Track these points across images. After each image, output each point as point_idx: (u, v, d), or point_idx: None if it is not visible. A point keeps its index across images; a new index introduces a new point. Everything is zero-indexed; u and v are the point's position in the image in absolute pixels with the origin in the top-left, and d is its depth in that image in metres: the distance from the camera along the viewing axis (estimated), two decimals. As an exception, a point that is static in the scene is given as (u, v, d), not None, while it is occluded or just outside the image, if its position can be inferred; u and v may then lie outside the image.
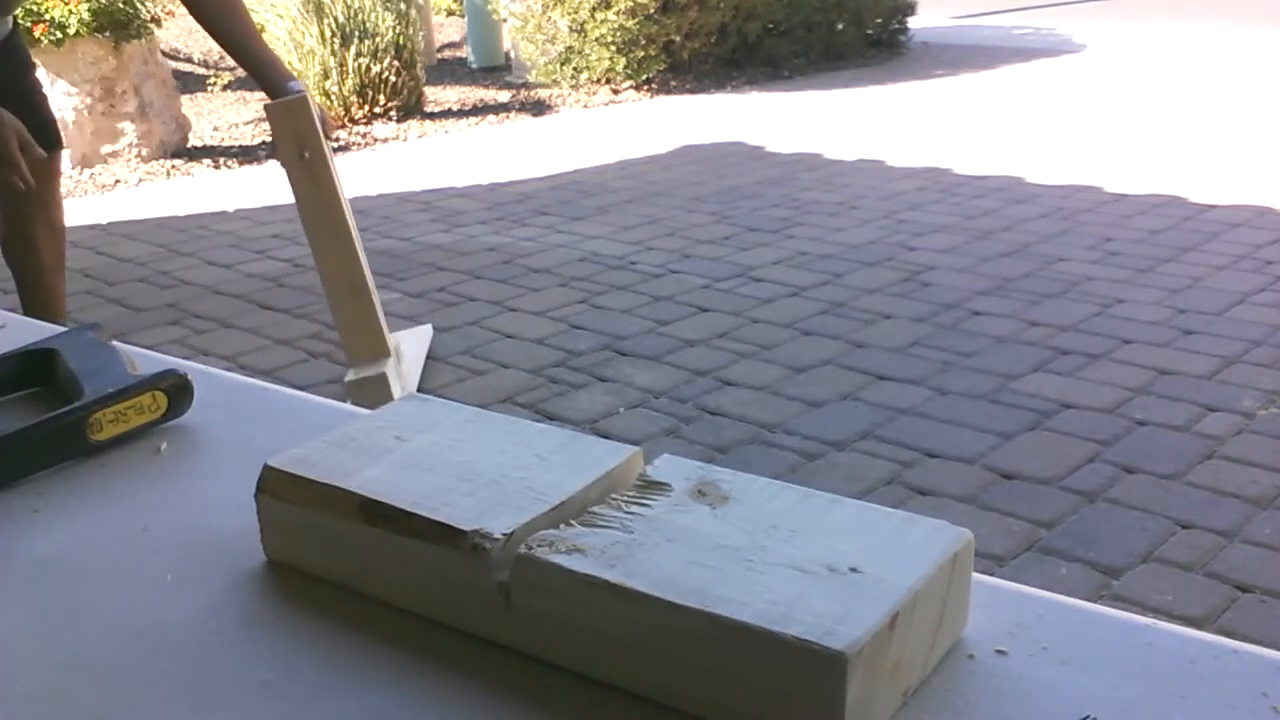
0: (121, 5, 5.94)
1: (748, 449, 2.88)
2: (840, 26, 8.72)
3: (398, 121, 7.13)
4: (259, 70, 2.77)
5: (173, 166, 6.21)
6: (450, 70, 8.94)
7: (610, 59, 7.81)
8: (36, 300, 3.15)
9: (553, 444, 0.67)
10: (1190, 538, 2.42)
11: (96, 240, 4.93)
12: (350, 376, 2.97)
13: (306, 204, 2.87)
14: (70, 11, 5.77)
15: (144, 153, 6.25)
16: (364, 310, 2.98)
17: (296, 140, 2.78)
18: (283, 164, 2.84)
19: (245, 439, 0.81)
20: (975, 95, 7.38)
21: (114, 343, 0.90)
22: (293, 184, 2.84)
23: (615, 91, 7.90)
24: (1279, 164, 5.41)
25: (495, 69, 8.86)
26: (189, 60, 9.32)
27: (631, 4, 7.62)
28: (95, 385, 0.81)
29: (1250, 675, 0.54)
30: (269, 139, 6.95)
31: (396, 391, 2.91)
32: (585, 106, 7.58)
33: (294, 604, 0.63)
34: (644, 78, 7.88)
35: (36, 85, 3.08)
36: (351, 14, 6.94)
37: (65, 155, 6.08)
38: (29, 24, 5.75)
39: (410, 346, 3.40)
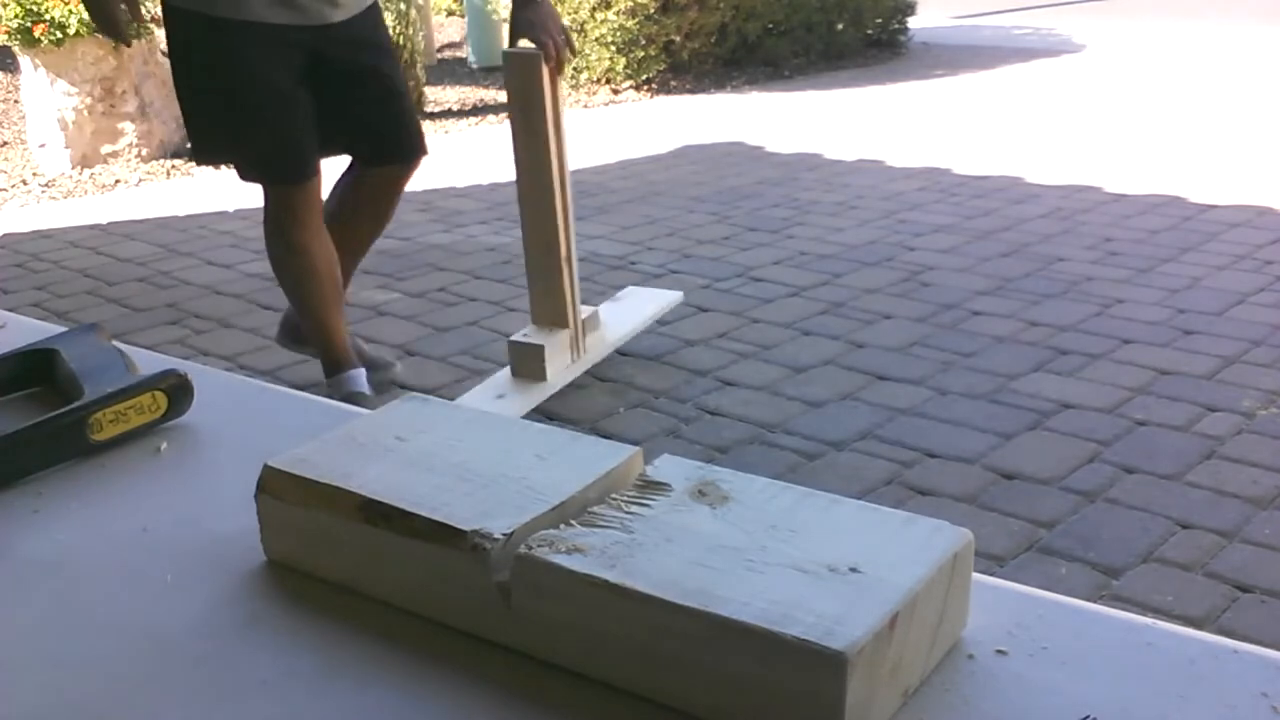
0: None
1: (748, 449, 2.88)
2: (840, 26, 8.72)
3: (398, 121, 7.13)
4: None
5: (173, 166, 6.21)
6: (450, 70, 8.94)
7: (610, 59, 7.82)
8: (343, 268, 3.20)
9: (553, 444, 0.67)
10: (1190, 538, 2.42)
11: (96, 240, 4.93)
12: (514, 337, 3.12)
13: (521, 159, 2.98)
14: (70, 11, 5.77)
15: (144, 153, 6.25)
16: (553, 277, 3.07)
17: (522, 94, 2.88)
18: (509, 114, 2.99)
19: (245, 439, 0.81)
20: (975, 95, 7.38)
21: (114, 343, 0.90)
22: (513, 135, 2.96)
23: (615, 91, 7.90)
24: (1279, 164, 5.41)
25: (495, 69, 8.85)
26: (189, 60, 9.32)
27: (631, 4, 7.62)
28: (95, 385, 0.81)
29: (1250, 675, 0.54)
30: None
31: (551, 371, 3.07)
32: (585, 106, 7.58)
33: (294, 604, 0.63)
34: (644, 78, 7.88)
35: (400, 75, 3.07)
36: (351, 14, 6.93)
37: (65, 155, 6.12)
38: (29, 24, 5.75)
39: (625, 312, 3.41)
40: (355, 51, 2.88)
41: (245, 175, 2.96)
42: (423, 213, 5.17)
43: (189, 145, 2.94)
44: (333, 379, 3.04)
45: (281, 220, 2.92)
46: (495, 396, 3.06)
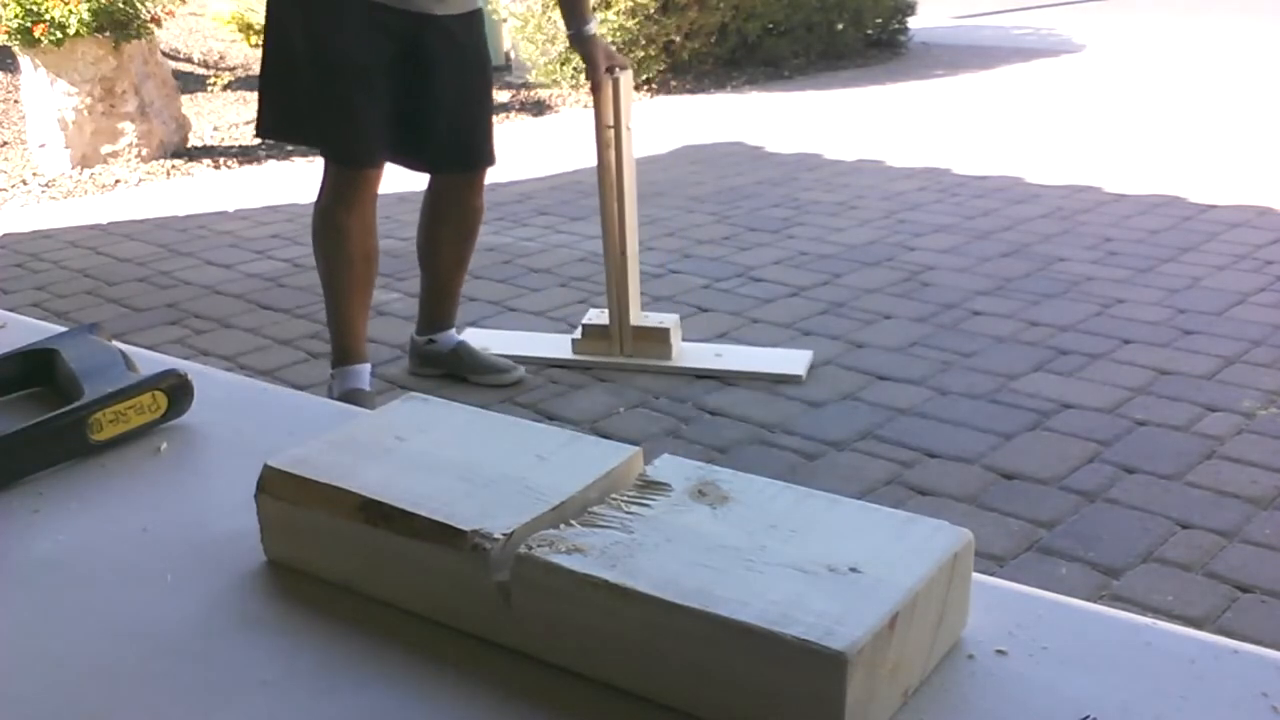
0: (121, 5, 5.94)
1: (748, 449, 2.88)
2: (840, 26, 8.72)
3: (398, 121, 7.12)
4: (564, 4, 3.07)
5: (173, 166, 6.21)
6: (450, 70, 8.93)
7: (610, 59, 7.80)
8: (433, 288, 3.28)
9: (553, 444, 0.67)
10: (1190, 538, 2.42)
11: (96, 240, 4.93)
12: (584, 319, 3.47)
13: (600, 164, 3.25)
14: (70, 11, 5.77)
15: (144, 153, 6.24)
16: (619, 276, 3.32)
17: (610, 109, 3.18)
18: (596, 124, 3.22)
19: (245, 439, 0.81)
20: (975, 95, 7.38)
21: (114, 343, 0.90)
22: (597, 145, 3.23)
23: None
24: (1279, 164, 5.41)
25: (495, 69, 8.84)
26: (189, 60, 9.32)
27: (631, 4, 7.62)
28: (95, 385, 0.81)
29: (1250, 675, 0.54)
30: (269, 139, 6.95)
31: (582, 351, 3.39)
32: (585, 106, 7.57)
33: (294, 604, 0.63)
34: (644, 78, 7.88)
35: (488, 89, 3.09)
36: (351, 14, 6.93)
37: (65, 155, 6.12)
38: (29, 24, 5.75)
39: (735, 353, 3.45)
40: (448, 49, 2.87)
41: (310, 142, 3.06)
42: (423, 213, 5.16)
43: (257, 121, 2.96)
44: (337, 370, 3.05)
45: (331, 198, 2.93)
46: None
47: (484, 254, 4.53)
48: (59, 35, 5.80)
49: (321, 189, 2.96)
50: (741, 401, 3.14)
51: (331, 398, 2.92)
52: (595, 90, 3.14)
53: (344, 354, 3.04)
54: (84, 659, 0.59)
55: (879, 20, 9.02)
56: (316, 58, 2.77)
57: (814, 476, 2.72)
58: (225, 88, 8.36)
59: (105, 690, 0.57)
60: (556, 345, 3.50)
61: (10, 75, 7.57)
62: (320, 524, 0.64)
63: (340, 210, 2.92)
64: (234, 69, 9.07)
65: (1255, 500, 2.55)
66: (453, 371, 3.28)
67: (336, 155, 2.91)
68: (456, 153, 3.02)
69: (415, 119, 2.90)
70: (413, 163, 3.04)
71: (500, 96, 7.98)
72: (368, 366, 3.07)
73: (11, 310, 1.11)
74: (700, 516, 0.59)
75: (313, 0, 2.77)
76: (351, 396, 2.95)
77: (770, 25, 8.40)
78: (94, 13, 5.82)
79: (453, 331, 3.33)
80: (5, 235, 5.10)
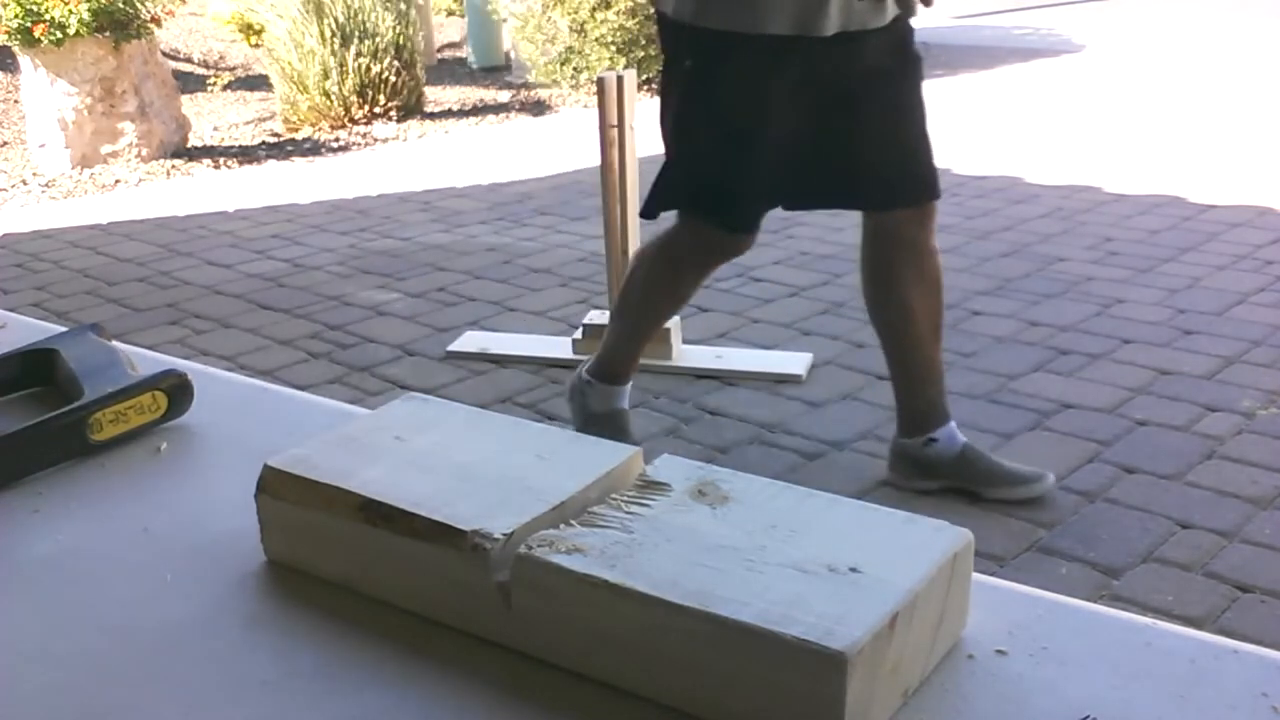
0: (121, 5, 5.94)
1: (748, 449, 2.88)
2: (840, 26, 8.71)
3: (398, 121, 7.13)
4: None
5: (173, 166, 6.21)
6: (450, 70, 8.94)
7: (610, 59, 7.81)
8: (907, 369, 2.56)
9: (553, 444, 0.67)
10: (1190, 538, 2.42)
11: (96, 240, 4.93)
12: (584, 319, 3.49)
13: (604, 163, 3.26)
14: (70, 11, 5.77)
15: (144, 153, 6.25)
16: (620, 276, 3.22)
17: (614, 109, 3.19)
18: (600, 127, 3.21)
19: (245, 439, 0.81)
20: (975, 95, 7.38)
21: (114, 343, 0.90)
22: (601, 145, 3.23)
23: (615, 91, 7.89)
24: (1279, 164, 5.41)
25: (495, 69, 8.86)
26: (189, 60, 9.32)
27: (631, 4, 7.62)
28: (95, 385, 0.81)
29: (1250, 675, 0.54)
30: (269, 139, 6.95)
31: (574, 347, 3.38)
32: (585, 106, 7.57)
33: (294, 604, 0.63)
34: (644, 78, 7.87)
35: (921, 113, 2.53)
36: (351, 14, 6.94)
37: (65, 155, 6.12)
38: (29, 24, 5.75)
39: (733, 354, 3.46)
40: (880, 61, 2.38)
41: (694, 208, 2.51)
42: (423, 213, 5.17)
43: (653, 197, 2.52)
44: (601, 385, 2.79)
45: (685, 250, 2.57)
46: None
47: (484, 254, 4.54)
48: (59, 35, 5.80)
49: (674, 237, 2.56)
50: (741, 401, 3.14)
51: (584, 410, 2.81)
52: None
53: (618, 374, 2.80)
54: (84, 658, 0.59)
55: (879, 20, 9.00)
56: (742, 117, 2.35)
57: (814, 476, 2.71)
58: (225, 88, 8.36)
59: (105, 690, 0.57)
60: (556, 345, 3.50)
61: (10, 75, 7.57)
62: (320, 524, 0.64)
63: (694, 269, 2.64)
64: (234, 69, 9.07)
65: (1255, 500, 2.55)
66: (961, 484, 2.58)
67: (717, 219, 2.49)
68: (905, 184, 2.45)
69: (837, 153, 2.39)
70: (832, 198, 2.54)
71: (500, 97, 7.98)
72: (628, 388, 2.84)
73: (11, 310, 1.11)
74: (700, 516, 0.59)
75: (754, 51, 2.28)
76: (617, 416, 2.81)
77: (770, 25, 8.38)
78: (94, 13, 5.83)
79: (954, 425, 2.61)
80: (5, 235, 5.10)
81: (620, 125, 3.17)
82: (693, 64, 2.37)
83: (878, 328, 2.57)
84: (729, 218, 2.49)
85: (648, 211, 2.57)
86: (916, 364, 2.54)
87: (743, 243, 2.56)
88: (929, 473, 2.60)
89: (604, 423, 2.76)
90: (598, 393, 2.80)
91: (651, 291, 2.67)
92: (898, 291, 2.48)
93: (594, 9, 7.67)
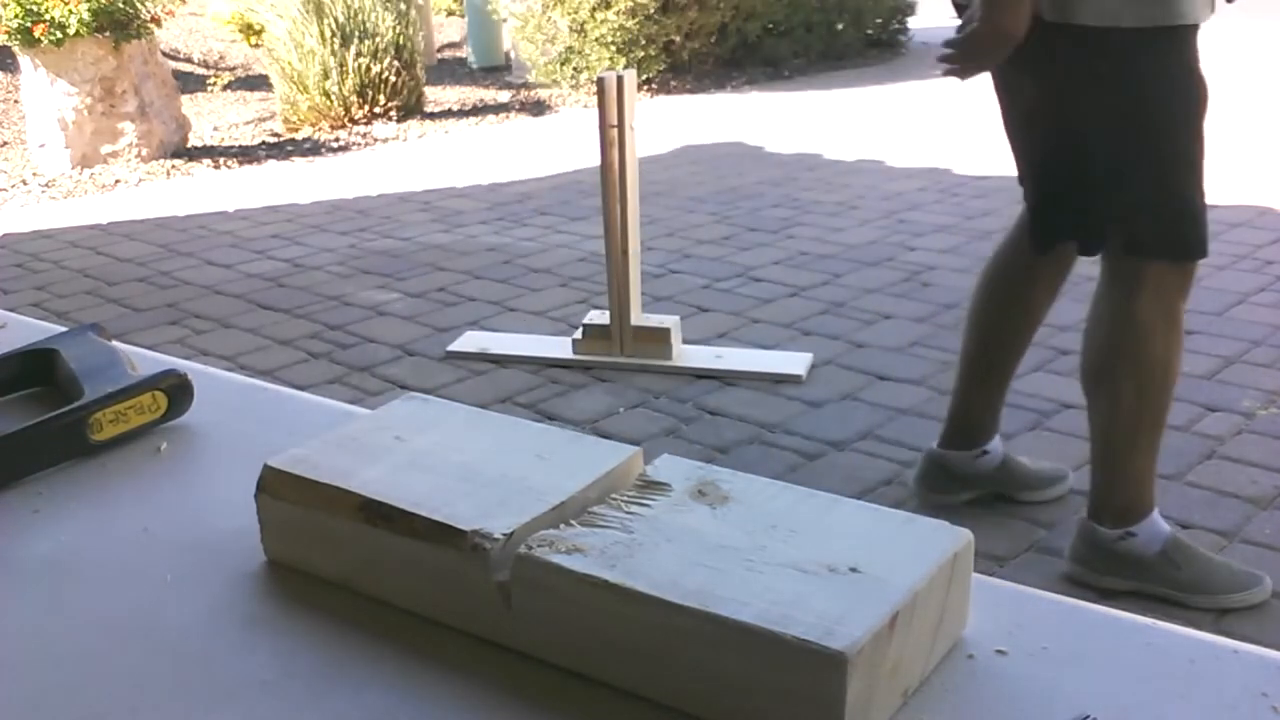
0: (121, 5, 5.94)
1: (748, 449, 2.88)
2: (840, 26, 8.72)
3: (398, 121, 7.13)
4: None
5: (173, 166, 6.21)
6: (450, 70, 8.95)
7: (610, 59, 7.81)
8: (989, 377, 2.44)
9: (553, 444, 0.67)
10: (1190, 537, 2.42)
11: (96, 240, 4.93)
12: (585, 319, 3.49)
13: (604, 163, 3.25)
14: (70, 11, 5.77)
15: (144, 153, 6.25)
16: (620, 276, 3.33)
17: (614, 109, 3.19)
18: (600, 126, 3.21)
19: (245, 439, 0.81)
20: (975, 95, 7.37)
21: (114, 343, 0.90)
22: (601, 145, 3.23)
23: (615, 91, 7.90)
24: (1279, 164, 5.41)
25: (495, 69, 8.86)
26: (189, 60, 9.32)
27: (631, 4, 7.62)
28: (95, 385, 0.81)
29: (1250, 675, 0.54)
30: (269, 139, 6.96)
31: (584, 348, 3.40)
32: (585, 106, 7.57)
33: (294, 604, 0.63)
34: (644, 78, 7.88)
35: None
36: (351, 14, 6.94)
37: (65, 155, 6.12)
38: (29, 24, 5.75)
39: (732, 354, 3.45)
40: None
41: (1134, 248, 2.13)
42: (423, 213, 5.17)
43: (1040, 228, 2.23)
44: (1135, 525, 2.19)
45: (1172, 300, 2.20)
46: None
47: (484, 254, 4.54)
48: (59, 35, 5.81)
49: (1139, 287, 2.16)
50: (741, 401, 3.14)
51: (1143, 555, 2.19)
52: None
53: (1147, 501, 2.21)
54: (84, 658, 0.59)
55: (879, 20, 9.01)
56: (1184, 125, 2.06)
57: (814, 476, 2.71)
58: (225, 88, 8.36)
59: (105, 690, 0.57)
60: (557, 345, 3.50)
61: (10, 75, 7.57)
62: (320, 524, 0.64)
63: (1177, 311, 2.22)
64: (234, 69, 9.07)
65: (1255, 500, 2.55)
66: (997, 490, 2.53)
67: (1194, 250, 2.14)
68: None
69: None
70: None
71: (500, 97, 7.99)
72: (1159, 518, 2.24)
73: (11, 310, 1.11)
74: (700, 516, 0.59)
75: (1178, 44, 2.02)
76: (1179, 547, 2.21)
77: (770, 25, 8.40)
78: (94, 13, 5.83)
79: (999, 438, 2.55)
80: (5, 235, 5.10)
81: (620, 125, 3.17)
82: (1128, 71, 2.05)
83: (984, 328, 2.39)
84: (1203, 242, 2.12)
85: (1041, 246, 2.23)
86: (1005, 374, 2.45)
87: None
88: (970, 483, 2.53)
89: (1177, 563, 2.20)
90: (1145, 537, 2.20)
91: (1158, 351, 2.22)
92: (1038, 296, 2.37)
93: (594, 9, 7.67)
